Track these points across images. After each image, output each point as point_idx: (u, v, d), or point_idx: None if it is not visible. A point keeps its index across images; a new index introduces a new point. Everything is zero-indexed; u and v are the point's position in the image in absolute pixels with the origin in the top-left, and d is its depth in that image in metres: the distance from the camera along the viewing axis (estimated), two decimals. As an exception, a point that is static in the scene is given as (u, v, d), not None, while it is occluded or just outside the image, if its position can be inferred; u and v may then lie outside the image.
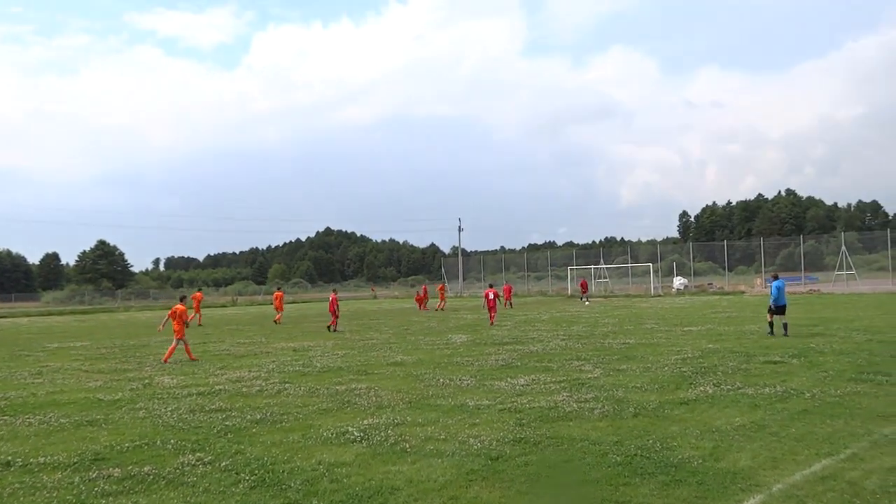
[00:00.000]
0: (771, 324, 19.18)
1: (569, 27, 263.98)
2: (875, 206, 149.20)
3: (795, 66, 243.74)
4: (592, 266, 64.18)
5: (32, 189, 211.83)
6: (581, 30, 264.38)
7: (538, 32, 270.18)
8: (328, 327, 26.66)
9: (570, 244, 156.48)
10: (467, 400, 10.86)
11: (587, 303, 43.72)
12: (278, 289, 43.03)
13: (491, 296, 28.11)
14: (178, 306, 18.41)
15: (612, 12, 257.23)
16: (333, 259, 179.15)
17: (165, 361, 17.60)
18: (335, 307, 26.88)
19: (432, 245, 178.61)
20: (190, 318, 30.33)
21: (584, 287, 47.80)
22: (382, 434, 8.66)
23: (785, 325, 19.03)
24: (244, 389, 12.70)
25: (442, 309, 41.39)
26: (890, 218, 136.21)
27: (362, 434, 8.68)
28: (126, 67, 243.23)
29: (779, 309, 19.10)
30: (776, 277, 19.72)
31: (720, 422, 8.83)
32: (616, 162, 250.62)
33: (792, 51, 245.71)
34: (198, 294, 36.04)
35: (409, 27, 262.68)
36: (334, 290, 28.87)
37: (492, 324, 27.16)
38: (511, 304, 42.10)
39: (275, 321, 32.43)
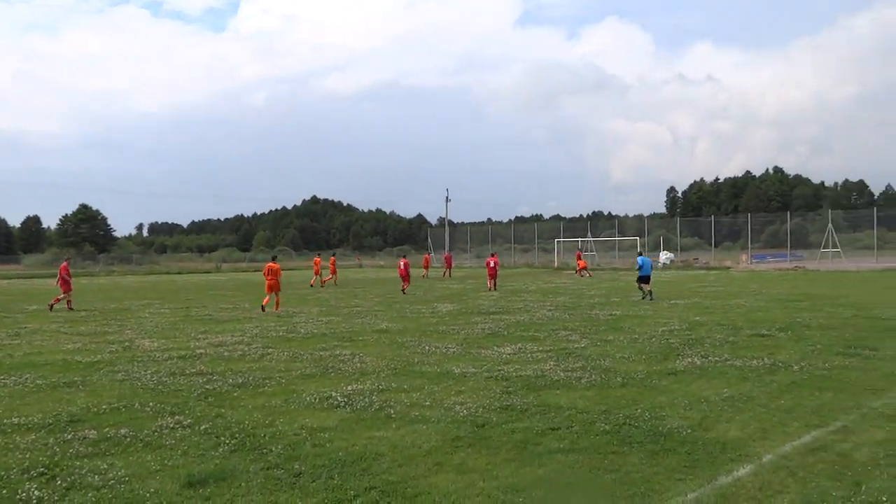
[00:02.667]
0: (641, 290, 23.77)
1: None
2: (861, 186, 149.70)
3: (790, 42, 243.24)
4: (580, 239, 64.14)
5: (14, 151, 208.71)
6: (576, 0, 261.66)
7: (533, 2, 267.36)
8: (403, 290, 28.61)
9: (557, 217, 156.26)
10: (453, 367, 10.76)
11: (588, 275, 43.01)
12: (333, 254, 43.65)
13: (492, 263, 30.27)
14: (272, 264, 21.48)
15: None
16: (319, 228, 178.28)
17: (277, 310, 20.72)
18: (406, 272, 29.26)
19: (419, 216, 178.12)
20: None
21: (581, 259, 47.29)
22: (366, 400, 8.54)
23: (650, 292, 23.46)
24: (226, 354, 12.55)
25: (425, 277, 42.83)
26: (876, 197, 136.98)
27: (346, 399, 8.55)
28: (110, 29, 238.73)
29: (644, 279, 23.94)
30: (641, 254, 25.79)
31: (709, 392, 8.76)
32: (608, 137, 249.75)
33: (787, 26, 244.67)
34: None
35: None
36: (404, 256, 32.48)
37: (493, 288, 29.67)
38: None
39: (323, 282, 35.41)
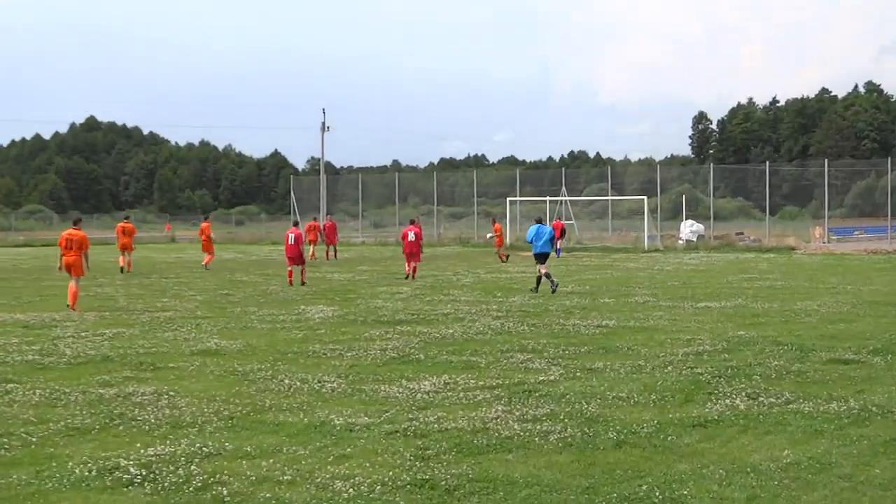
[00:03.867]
0: (548, 277, 25.92)
1: None
2: None
3: None
4: (548, 198, 64.78)
5: None
6: None
7: None
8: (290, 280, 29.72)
9: (511, 161, 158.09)
10: (332, 415, 10.75)
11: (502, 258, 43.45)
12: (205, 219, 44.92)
13: (411, 236, 31.42)
14: (72, 231, 22.93)
15: None
16: (100, 172, 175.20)
17: (73, 306, 21.93)
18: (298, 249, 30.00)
19: (276, 154, 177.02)
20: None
21: (561, 232, 47.43)
22: (181, 472, 8.44)
23: (548, 276, 25.78)
24: (-69, 392, 12.25)
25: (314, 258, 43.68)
26: None
27: (144, 472, 8.44)
28: None
29: (539, 257, 26.38)
30: (539, 222, 27.66)
31: (759, 457, 8.97)
32: (593, 26, 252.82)
33: None
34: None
35: None
36: (295, 224, 34.00)
37: (412, 277, 31.49)
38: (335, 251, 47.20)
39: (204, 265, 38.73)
